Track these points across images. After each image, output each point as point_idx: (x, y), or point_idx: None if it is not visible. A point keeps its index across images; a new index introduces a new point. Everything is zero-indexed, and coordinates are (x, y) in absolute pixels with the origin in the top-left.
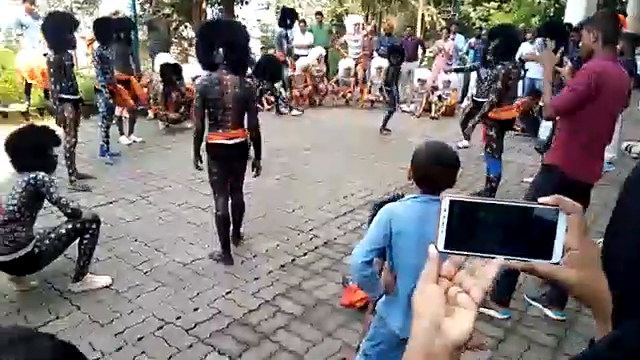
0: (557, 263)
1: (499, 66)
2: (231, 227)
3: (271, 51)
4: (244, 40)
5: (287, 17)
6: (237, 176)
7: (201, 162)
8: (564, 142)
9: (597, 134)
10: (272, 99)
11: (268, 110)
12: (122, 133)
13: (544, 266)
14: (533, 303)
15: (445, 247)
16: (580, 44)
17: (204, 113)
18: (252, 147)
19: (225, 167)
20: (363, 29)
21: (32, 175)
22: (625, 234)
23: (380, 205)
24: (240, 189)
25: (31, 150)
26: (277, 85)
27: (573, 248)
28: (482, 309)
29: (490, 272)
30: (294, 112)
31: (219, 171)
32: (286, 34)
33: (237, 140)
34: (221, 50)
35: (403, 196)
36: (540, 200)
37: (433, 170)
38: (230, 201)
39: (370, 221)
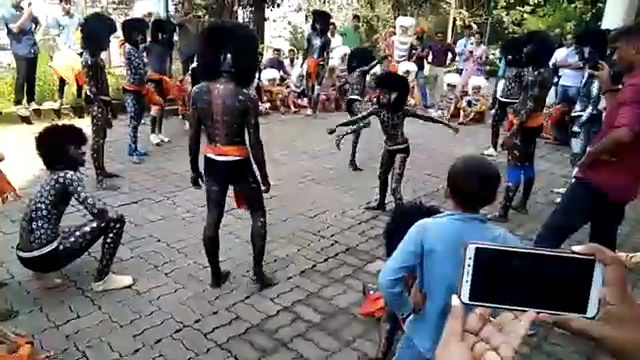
0: (592, 318)
1: (535, 72)
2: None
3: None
4: (254, 47)
5: (317, 22)
6: (246, 197)
7: (202, 180)
8: (609, 162)
9: None
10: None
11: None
12: (153, 131)
13: (578, 321)
14: None
15: (470, 299)
16: (616, 55)
17: (197, 123)
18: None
19: (217, 184)
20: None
21: (61, 174)
22: None
23: (396, 215)
24: (258, 211)
25: (55, 148)
26: (317, 88)
27: (611, 303)
28: None
29: (521, 329)
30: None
31: (210, 187)
32: (309, 39)
33: (227, 158)
34: (229, 57)
35: (425, 207)
36: (575, 249)
37: (471, 186)
38: (248, 226)
39: (388, 228)
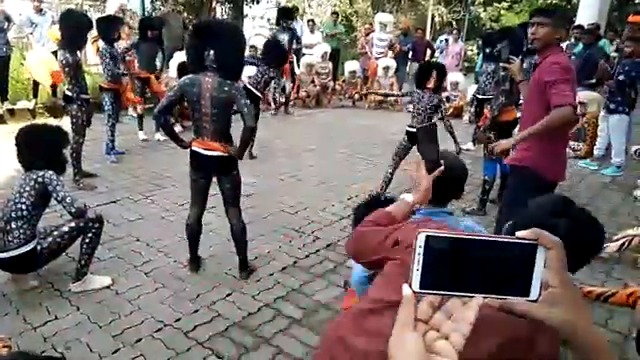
0: (535, 300)
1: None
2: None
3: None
4: (237, 43)
5: (282, 18)
6: (227, 192)
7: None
8: (537, 143)
9: (566, 132)
10: (282, 99)
11: (276, 109)
12: (141, 129)
13: (522, 304)
14: None
15: (421, 287)
16: (537, 31)
17: (175, 101)
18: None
19: (202, 178)
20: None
21: (40, 173)
22: None
23: (359, 208)
24: (236, 208)
25: (44, 149)
26: (288, 85)
27: (552, 285)
28: None
29: (469, 316)
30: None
31: (195, 180)
32: (274, 36)
33: (214, 153)
34: (212, 52)
35: (379, 197)
36: (518, 234)
37: (438, 179)
38: (228, 225)
39: (354, 225)
